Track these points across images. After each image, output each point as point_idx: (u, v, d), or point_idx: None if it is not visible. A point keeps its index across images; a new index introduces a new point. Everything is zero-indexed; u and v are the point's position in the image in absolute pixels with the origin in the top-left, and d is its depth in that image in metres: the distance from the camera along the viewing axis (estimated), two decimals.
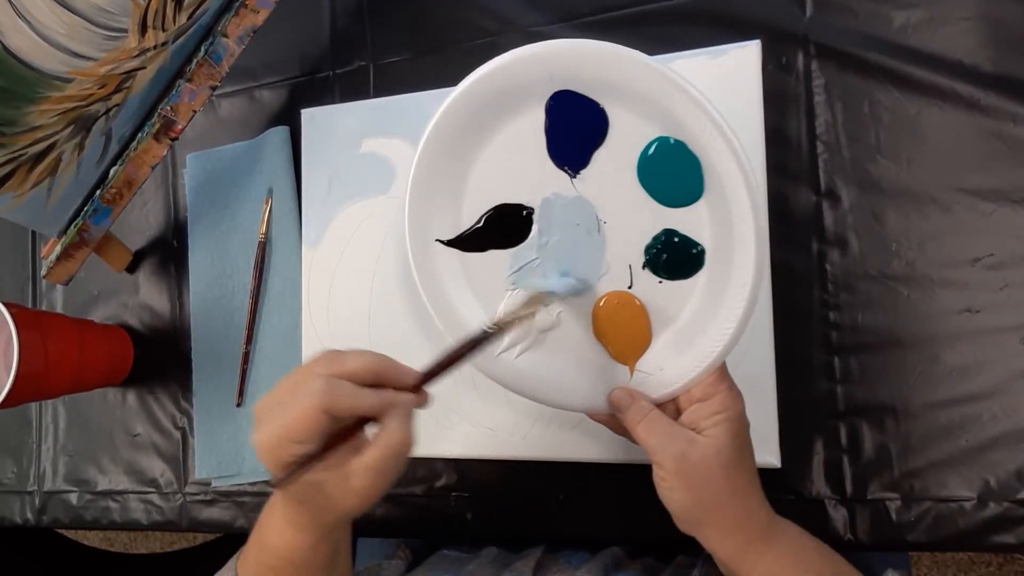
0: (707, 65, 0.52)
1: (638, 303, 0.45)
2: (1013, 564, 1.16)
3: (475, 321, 0.46)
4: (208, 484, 0.67)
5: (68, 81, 0.52)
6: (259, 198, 0.66)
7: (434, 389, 0.65)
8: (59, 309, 0.75)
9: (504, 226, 0.47)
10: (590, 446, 0.53)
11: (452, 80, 0.61)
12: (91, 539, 1.52)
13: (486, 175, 0.46)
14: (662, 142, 0.42)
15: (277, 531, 0.42)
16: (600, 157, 0.44)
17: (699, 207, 0.42)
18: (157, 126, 0.58)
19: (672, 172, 0.42)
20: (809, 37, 0.52)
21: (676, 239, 0.43)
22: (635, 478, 0.54)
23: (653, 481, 0.42)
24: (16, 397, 0.58)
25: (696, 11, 0.54)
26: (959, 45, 0.50)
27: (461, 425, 0.57)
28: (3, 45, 0.48)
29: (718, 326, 0.43)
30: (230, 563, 0.46)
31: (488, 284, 0.48)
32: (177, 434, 0.69)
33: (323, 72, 0.66)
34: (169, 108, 0.58)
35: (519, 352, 0.48)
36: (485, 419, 0.56)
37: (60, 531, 0.95)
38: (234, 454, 0.65)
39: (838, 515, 0.49)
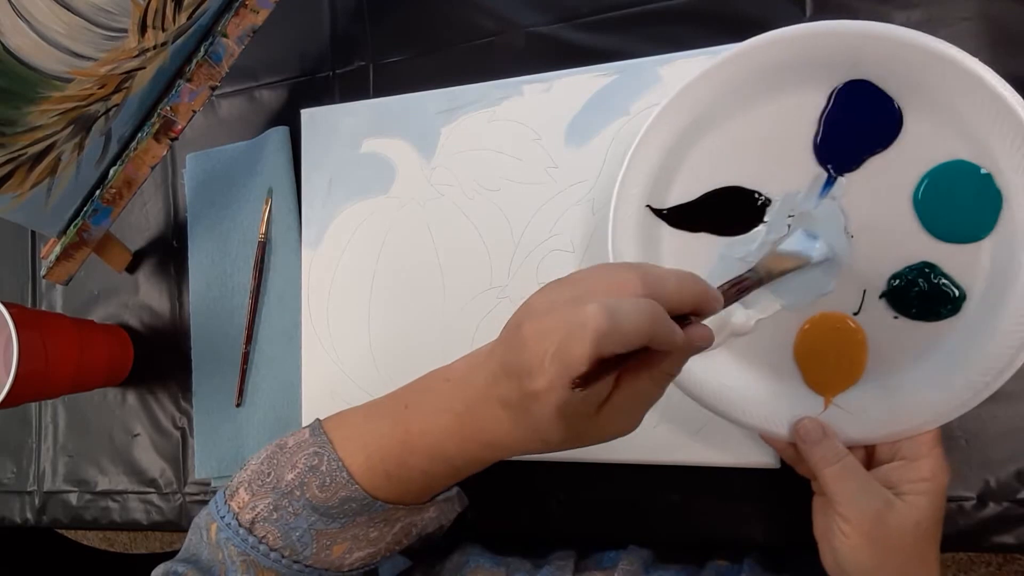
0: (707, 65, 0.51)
1: (860, 334, 0.40)
2: (1013, 564, 1.16)
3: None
4: (208, 484, 0.67)
5: (68, 81, 0.52)
6: (259, 198, 0.66)
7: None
8: (59, 309, 0.75)
9: (726, 211, 0.41)
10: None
11: (452, 80, 0.60)
12: (91, 539, 1.52)
13: (721, 149, 0.41)
14: (961, 167, 0.36)
15: (439, 438, 0.38)
16: (874, 164, 0.38)
17: (976, 248, 0.37)
18: (157, 126, 0.58)
19: (960, 203, 0.37)
20: None
21: (934, 277, 0.38)
22: (635, 478, 0.53)
23: (820, 524, 0.41)
24: (16, 397, 0.58)
25: (696, 11, 0.54)
26: (959, 45, 0.49)
27: None
28: (3, 45, 0.48)
29: (961, 383, 0.38)
30: (313, 423, 0.42)
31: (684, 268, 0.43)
32: (177, 434, 0.69)
33: (323, 72, 0.66)
34: (169, 108, 0.58)
35: None
36: None
37: (60, 531, 0.95)
38: (234, 454, 0.65)
39: None
